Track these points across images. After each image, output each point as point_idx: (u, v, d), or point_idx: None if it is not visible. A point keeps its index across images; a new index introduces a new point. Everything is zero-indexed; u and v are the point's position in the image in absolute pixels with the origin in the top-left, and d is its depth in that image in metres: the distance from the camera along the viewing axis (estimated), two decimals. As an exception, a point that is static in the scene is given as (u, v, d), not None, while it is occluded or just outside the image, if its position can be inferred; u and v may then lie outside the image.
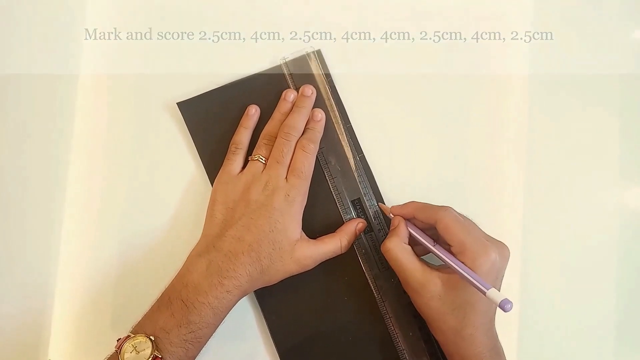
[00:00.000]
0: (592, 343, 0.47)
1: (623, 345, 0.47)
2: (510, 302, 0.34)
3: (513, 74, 0.48)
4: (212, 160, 0.45)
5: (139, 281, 0.45)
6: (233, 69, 0.46)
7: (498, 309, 0.35)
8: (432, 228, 0.41)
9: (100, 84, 0.47)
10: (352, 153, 0.46)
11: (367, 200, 0.45)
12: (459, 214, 0.41)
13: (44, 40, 0.47)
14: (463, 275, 0.37)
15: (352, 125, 0.46)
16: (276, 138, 0.43)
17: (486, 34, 0.49)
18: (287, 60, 0.46)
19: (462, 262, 0.37)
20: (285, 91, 0.45)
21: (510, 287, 0.46)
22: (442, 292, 0.39)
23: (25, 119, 0.46)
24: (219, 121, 0.45)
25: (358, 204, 0.45)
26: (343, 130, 0.46)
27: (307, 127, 0.44)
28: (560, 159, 0.48)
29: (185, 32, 0.47)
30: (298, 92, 0.45)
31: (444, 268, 0.40)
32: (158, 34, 0.47)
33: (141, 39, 0.47)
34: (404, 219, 0.42)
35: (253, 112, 0.45)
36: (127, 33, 0.47)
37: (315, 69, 0.46)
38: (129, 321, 0.39)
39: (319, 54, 0.47)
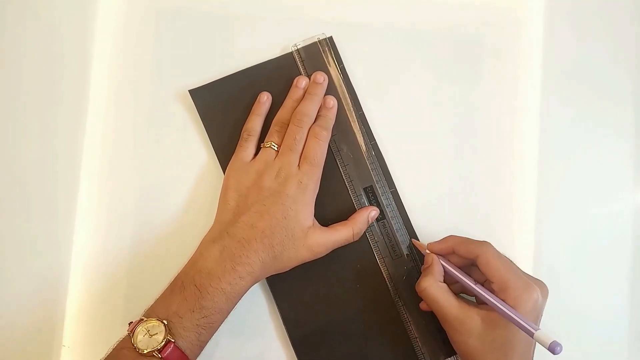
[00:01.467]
0: (606, 346, 0.47)
1: (637, 349, 0.47)
2: (560, 345, 0.33)
3: (525, 72, 0.48)
4: (224, 148, 0.45)
5: (152, 268, 0.45)
6: (245, 56, 0.46)
7: (537, 348, 0.33)
8: (469, 265, 0.41)
9: (112, 72, 0.47)
10: (364, 140, 0.46)
11: (380, 187, 0.45)
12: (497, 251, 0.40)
13: (55, 29, 0.47)
14: (507, 314, 0.36)
15: (364, 113, 0.46)
16: (288, 125, 0.43)
17: (497, 26, 0.48)
18: (298, 47, 0.46)
19: (504, 301, 0.36)
20: (296, 78, 0.45)
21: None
22: (481, 329, 0.37)
23: (35, 110, 0.46)
24: (230, 108, 0.45)
25: (370, 191, 0.45)
26: (355, 117, 0.46)
27: (319, 114, 0.44)
28: (572, 160, 0.48)
29: (197, 20, 0.47)
30: (310, 79, 0.45)
31: (483, 305, 0.39)
32: (169, 22, 0.47)
33: (152, 26, 0.47)
34: (441, 255, 0.42)
35: (265, 99, 0.45)
36: (138, 21, 0.47)
37: (326, 56, 0.46)
38: (141, 308, 0.39)
39: (330, 40, 0.46)
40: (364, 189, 0.45)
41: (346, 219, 0.44)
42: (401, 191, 0.45)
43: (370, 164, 0.45)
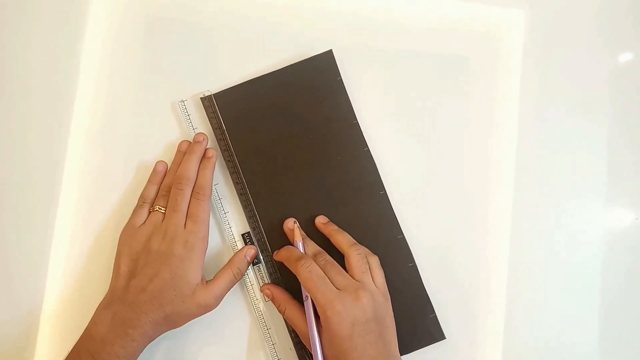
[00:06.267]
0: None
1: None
2: None
3: (505, 92, 0.52)
4: (244, 148, 0.49)
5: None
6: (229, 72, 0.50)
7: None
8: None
9: (100, 86, 0.50)
10: (241, 189, 0.49)
11: (255, 235, 0.48)
12: None
13: (47, 34, 0.50)
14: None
15: (359, 122, 0.50)
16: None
17: (480, 47, 0.52)
18: (185, 101, 0.49)
19: None
20: (179, 143, 0.49)
21: (496, 304, 0.50)
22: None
23: (25, 116, 0.49)
24: (252, 112, 0.49)
25: (248, 237, 0.49)
26: (233, 165, 0.49)
27: (199, 171, 0.47)
28: (547, 180, 0.51)
29: (189, 33, 0.51)
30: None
31: None
32: (162, 32, 0.51)
33: (143, 39, 0.51)
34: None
35: (160, 169, 0.49)
36: (126, 35, 0.50)
37: (210, 111, 0.49)
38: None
39: (210, 99, 0.49)
40: (242, 235, 0.49)
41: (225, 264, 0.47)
42: (394, 202, 0.49)
43: (246, 212, 0.49)
